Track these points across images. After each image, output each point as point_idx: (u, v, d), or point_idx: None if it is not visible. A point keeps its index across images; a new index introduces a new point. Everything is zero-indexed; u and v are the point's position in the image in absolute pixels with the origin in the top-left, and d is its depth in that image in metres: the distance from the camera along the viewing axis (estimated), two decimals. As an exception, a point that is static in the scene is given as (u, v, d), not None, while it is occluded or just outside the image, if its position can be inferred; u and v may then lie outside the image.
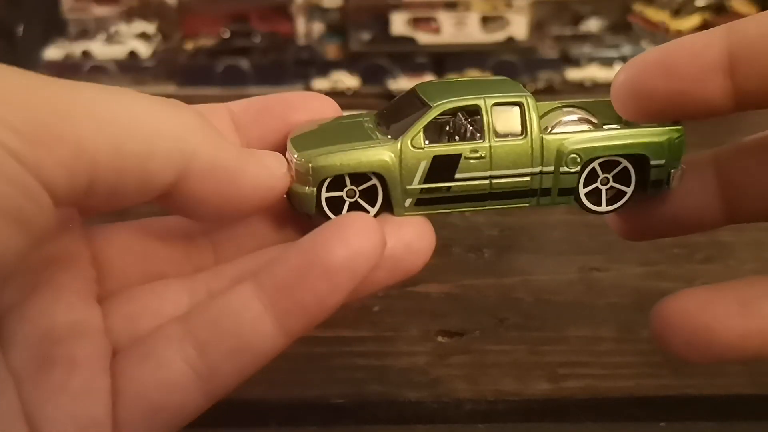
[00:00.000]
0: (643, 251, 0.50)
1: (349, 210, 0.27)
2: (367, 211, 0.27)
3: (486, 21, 1.21)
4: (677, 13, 1.11)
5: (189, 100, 0.25)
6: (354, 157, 0.26)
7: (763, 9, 1.12)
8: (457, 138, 0.27)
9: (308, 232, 0.24)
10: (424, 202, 0.27)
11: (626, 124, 0.28)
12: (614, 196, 0.28)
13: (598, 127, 0.29)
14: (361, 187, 0.27)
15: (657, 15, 1.09)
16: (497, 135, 0.27)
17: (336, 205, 0.27)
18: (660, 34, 1.06)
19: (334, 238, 0.23)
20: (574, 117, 0.29)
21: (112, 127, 0.21)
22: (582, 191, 0.28)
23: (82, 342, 0.23)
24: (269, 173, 0.25)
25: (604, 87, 0.80)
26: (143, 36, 1.07)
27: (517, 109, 0.27)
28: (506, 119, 0.27)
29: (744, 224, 0.46)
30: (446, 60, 1.00)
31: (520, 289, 0.46)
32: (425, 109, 0.27)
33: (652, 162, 0.27)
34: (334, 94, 0.29)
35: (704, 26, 1.09)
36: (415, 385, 0.38)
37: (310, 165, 0.26)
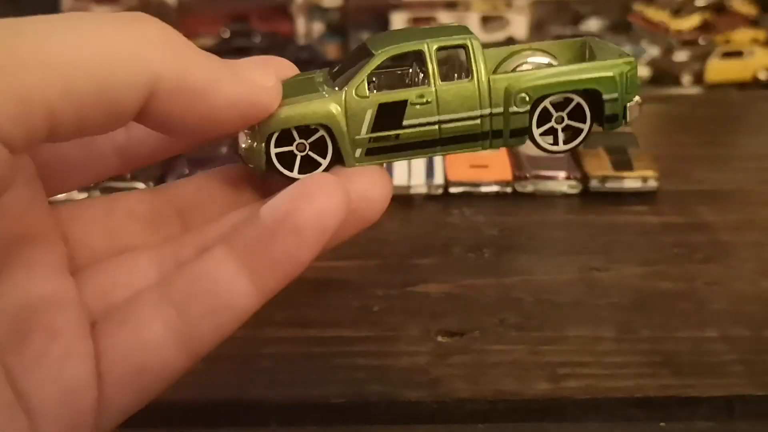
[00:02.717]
0: (643, 251, 0.50)
1: (300, 164, 0.27)
2: (319, 164, 0.27)
3: (486, 21, 1.21)
4: (677, 13, 1.11)
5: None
6: (298, 110, 0.26)
7: (763, 9, 1.12)
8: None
9: (273, 195, 0.24)
10: (374, 151, 0.27)
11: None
12: (572, 134, 0.28)
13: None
14: (310, 140, 0.26)
15: (657, 15, 1.09)
16: (444, 79, 0.27)
17: (288, 160, 0.27)
18: (660, 34, 1.06)
19: (301, 198, 0.23)
20: (537, 60, 0.29)
21: (61, 66, 0.20)
22: (536, 131, 0.27)
23: (60, 311, 0.23)
24: (249, 86, 0.24)
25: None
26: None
27: (462, 51, 0.27)
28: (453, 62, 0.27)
29: (744, 224, 0.46)
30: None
31: (520, 289, 0.46)
32: (369, 57, 0.27)
33: (605, 96, 0.27)
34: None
35: (704, 26, 1.09)
36: (415, 385, 0.38)
37: None
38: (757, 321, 0.43)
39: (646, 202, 0.56)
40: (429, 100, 0.26)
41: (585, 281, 0.47)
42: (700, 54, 1.01)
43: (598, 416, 0.38)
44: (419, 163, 0.59)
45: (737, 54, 1.07)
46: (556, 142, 0.28)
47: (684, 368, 0.39)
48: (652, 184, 0.57)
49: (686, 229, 0.53)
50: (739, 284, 0.46)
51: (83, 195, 0.50)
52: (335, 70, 0.28)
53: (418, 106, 0.26)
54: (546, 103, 0.27)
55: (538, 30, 1.18)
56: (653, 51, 1.12)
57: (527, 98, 0.27)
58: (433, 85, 0.26)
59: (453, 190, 0.57)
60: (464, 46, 0.27)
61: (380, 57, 0.27)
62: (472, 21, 1.16)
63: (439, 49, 0.27)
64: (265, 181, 0.28)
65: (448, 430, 0.37)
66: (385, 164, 0.27)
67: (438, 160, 0.60)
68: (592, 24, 1.20)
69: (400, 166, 0.59)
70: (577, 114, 0.28)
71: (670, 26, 1.04)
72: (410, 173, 0.58)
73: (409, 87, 0.27)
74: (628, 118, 0.28)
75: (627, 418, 0.37)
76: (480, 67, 0.27)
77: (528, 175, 0.57)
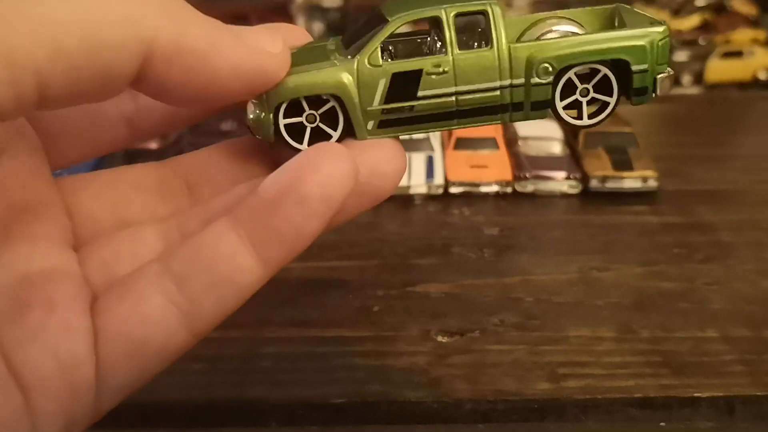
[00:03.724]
0: (643, 251, 0.50)
1: (311, 136, 0.26)
2: (330, 136, 0.26)
3: (486, 21, 1.20)
4: (677, 13, 1.11)
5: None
6: (307, 78, 0.25)
7: (763, 9, 1.12)
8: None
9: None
10: (387, 123, 0.26)
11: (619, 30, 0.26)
12: (598, 108, 0.26)
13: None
14: (320, 111, 0.25)
15: (657, 15, 1.09)
16: (462, 48, 0.25)
17: (298, 132, 0.26)
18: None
19: (306, 167, 0.22)
20: (563, 28, 0.28)
21: (49, 27, 0.19)
22: (559, 105, 0.26)
23: (60, 286, 0.23)
24: (254, 51, 0.23)
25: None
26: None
27: (482, 18, 0.25)
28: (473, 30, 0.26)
29: (744, 224, 0.46)
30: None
31: (520, 289, 0.46)
32: (383, 24, 0.25)
33: (634, 67, 0.25)
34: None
35: (704, 26, 1.09)
36: (415, 385, 0.38)
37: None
38: (757, 321, 0.43)
39: (646, 202, 0.56)
40: (446, 69, 0.25)
41: (585, 281, 0.47)
42: (700, 54, 1.01)
43: (598, 416, 0.38)
44: (419, 163, 0.59)
45: (737, 54, 1.07)
46: (580, 116, 0.26)
47: (684, 368, 0.39)
48: (652, 184, 0.57)
49: (686, 229, 0.53)
50: (739, 284, 0.46)
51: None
52: (346, 36, 0.27)
53: (434, 76, 0.25)
54: (570, 74, 0.26)
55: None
56: (653, 51, 1.13)
57: (550, 69, 0.25)
58: (450, 54, 0.25)
59: (453, 190, 0.57)
60: (484, 12, 0.25)
61: (395, 23, 0.25)
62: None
63: (458, 15, 0.25)
64: (276, 154, 0.27)
65: (448, 430, 0.37)
66: (400, 137, 0.26)
67: (438, 160, 0.59)
68: (592, 24, 1.20)
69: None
70: (604, 86, 0.26)
71: (670, 26, 1.05)
72: (410, 173, 0.58)
73: (426, 56, 0.26)
74: (658, 92, 0.26)
75: (627, 418, 0.37)
76: (501, 35, 0.25)
77: (528, 175, 0.57)
